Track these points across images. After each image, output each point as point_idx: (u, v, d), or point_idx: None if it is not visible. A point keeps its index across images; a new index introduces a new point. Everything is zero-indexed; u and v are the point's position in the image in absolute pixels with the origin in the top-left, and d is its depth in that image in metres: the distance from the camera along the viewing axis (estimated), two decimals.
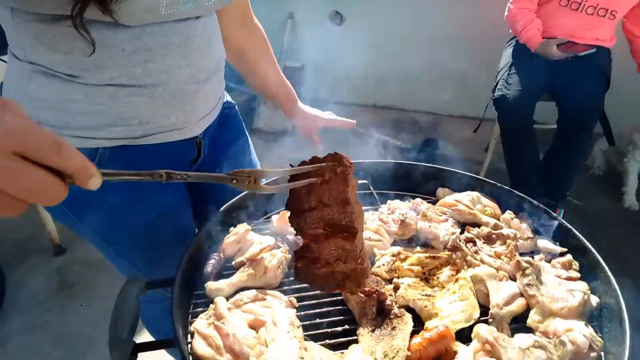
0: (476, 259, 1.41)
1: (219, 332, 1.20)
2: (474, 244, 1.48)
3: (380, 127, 5.48)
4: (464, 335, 1.20)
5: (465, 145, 4.65)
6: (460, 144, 4.87)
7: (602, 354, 1.17)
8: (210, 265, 1.41)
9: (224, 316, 1.23)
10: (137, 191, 1.47)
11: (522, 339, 1.16)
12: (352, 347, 1.18)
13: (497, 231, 1.51)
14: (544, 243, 1.47)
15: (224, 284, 1.36)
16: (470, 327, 1.21)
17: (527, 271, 1.33)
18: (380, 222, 1.57)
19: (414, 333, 1.20)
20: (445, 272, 1.40)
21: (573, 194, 4.05)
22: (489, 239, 1.51)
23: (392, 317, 1.24)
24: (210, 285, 1.35)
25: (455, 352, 1.14)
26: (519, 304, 1.28)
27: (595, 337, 1.17)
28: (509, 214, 1.58)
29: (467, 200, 1.63)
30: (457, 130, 5.25)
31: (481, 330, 1.16)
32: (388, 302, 1.28)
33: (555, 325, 1.20)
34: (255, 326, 1.25)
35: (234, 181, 1.03)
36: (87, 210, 1.45)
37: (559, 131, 3.58)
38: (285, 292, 1.36)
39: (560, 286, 1.30)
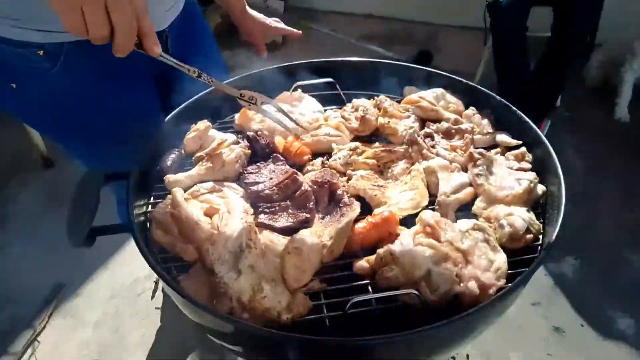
0: (432, 153, 1.43)
1: (174, 219, 1.26)
2: (432, 138, 1.49)
3: (373, 38, 5.31)
4: (412, 222, 1.25)
5: (462, 57, 4.51)
6: (456, 56, 4.73)
7: (540, 236, 1.22)
8: (170, 159, 1.44)
9: (179, 204, 1.28)
10: (108, 86, 1.48)
11: (464, 223, 1.20)
12: (301, 231, 1.23)
13: (457, 126, 1.51)
14: (502, 137, 1.48)
15: (182, 176, 1.39)
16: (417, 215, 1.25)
17: (479, 162, 1.35)
18: (341, 119, 1.57)
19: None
20: (400, 165, 1.42)
21: (566, 105, 3.99)
22: (448, 134, 1.51)
23: (342, 205, 1.29)
24: (169, 177, 1.39)
25: (398, 235, 1.19)
26: (466, 192, 1.31)
27: (534, 221, 1.22)
28: (471, 110, 1.57)
29: (431, 96, 1.61)
30: (455, 42, 5.07)
31: (424, 214, 1.21)
32: (340, 192, 1.31)
33: (498, 210, 1.24)
34: (210, 214, 1.29)
35: (242, 95, 1.22)
36: (52, 106, 1.46)
37: (552, 37, 3.44)
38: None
39: (510, 176, 1.33)
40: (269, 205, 1.30)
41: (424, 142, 1.46)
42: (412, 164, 1.42)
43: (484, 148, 1.47)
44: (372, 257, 1.16)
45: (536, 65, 3.56)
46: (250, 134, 1.51)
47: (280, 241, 1.21)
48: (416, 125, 1.52)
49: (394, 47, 5.08)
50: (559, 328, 2.55)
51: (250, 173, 1.40)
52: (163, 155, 1.45)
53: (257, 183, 1.36)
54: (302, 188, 1.31)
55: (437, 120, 1.57)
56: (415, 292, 1.03)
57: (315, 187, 1.32)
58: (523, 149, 1.41)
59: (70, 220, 1.19)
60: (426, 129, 1.51)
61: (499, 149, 1.46)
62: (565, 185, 1.23)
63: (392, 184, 1.38)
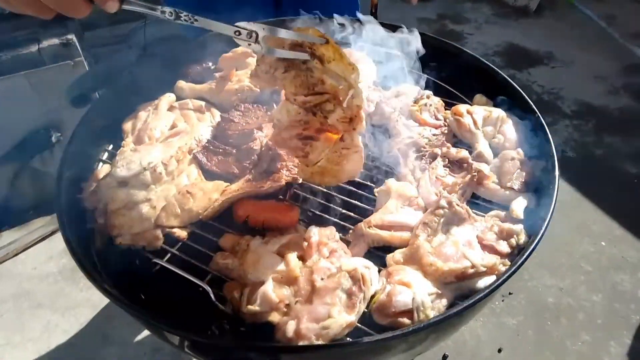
0: (410, 172, 1.14)
1: (143, 119, 1.35)
2: (432, 160, 1.17)
3: None
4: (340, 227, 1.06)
5: None
6: None
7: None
8: (194, 69, 1.50)
9: (158, 109, 1.36)
10: None
11: (348, 261, 0.97)
12: (206, 182, 1.17)
13: (474, 164, 1.15)
14: (517, 204, 1.07)
15: (186, 86, 1.45)
16: None
17: (439, 211, 1.03)
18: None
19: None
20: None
21: None
22: (458, 166, 1.17)
23: (270, 179, 1.16)
24: (178, 83, 1.46)
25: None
26: (396, 236, 1.03)
27: (426, 307, 0.90)
28: (515, 153, 1.16)
29: (482, 115, 1.25)
30: None
31: (313, 228, 1.02)
32: (279, 165, 1.18)
33: (403, 274, 0.95)
34: (176, 130, 1.33)
35: (237, 33, 0.95)
36: None
37: None
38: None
39: (467, 248, 0.98)
40: (217, 145, 1.27)
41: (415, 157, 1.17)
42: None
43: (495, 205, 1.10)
44: (235, 238, 1.05)
45: None
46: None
47: (205, 187, 1.17)
48: (418, 133, 1.22)
49: None
50: None
51: (237, 110, 1.37)
52: (194, 64, 1.52)
53: (231, 121, 1.33)
54: (251, 144, 1.23)
55: (467, 147, 1.23)
56: (207, 287, 0.92)
57: (265, 149, 1.23)
58: (519, 227, 1.01)
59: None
60: (437, 149, 1.20)
61: (498, 212, 1.07)
62: None
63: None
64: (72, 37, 2.91)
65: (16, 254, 2.76)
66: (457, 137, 1.28)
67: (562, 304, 2.50)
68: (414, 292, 0.91)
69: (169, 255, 1.06)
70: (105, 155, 1.33)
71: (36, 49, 2.81)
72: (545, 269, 2.65)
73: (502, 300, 2.51)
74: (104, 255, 1.07)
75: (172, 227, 1.10)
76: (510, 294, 2.55)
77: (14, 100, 2.64)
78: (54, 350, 2.35)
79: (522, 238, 1.00)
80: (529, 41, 4.50)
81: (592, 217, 2.93)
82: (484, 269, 0.93)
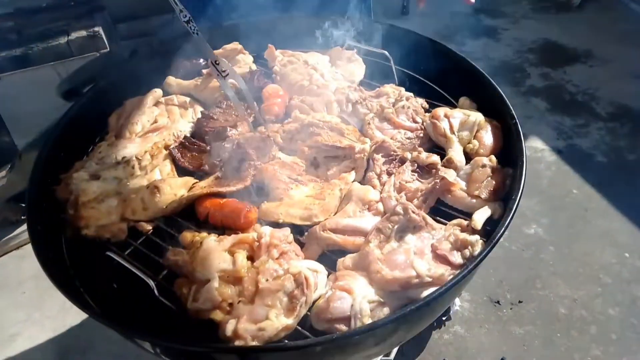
0: (376, 177, 1.12)
1: (128, 114, 1.39)
2: (400, 164, 1.15)
3: None
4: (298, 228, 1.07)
5: None
6: None
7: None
8: (184, 65, 1.53)
9: (143, 104, 1.40)
10: None
11: (297, 264, 0.97)
12: (169, 179, 1.20)
13: (441, 170, 1.12)
14: (480, 214, 1.03)
15: (174, 82, 1.48)
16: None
17: (394, 218, 1.00)
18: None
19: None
20: (342, 165, 1.17)
21: None
22: (427, 171, 1.14)
23: (237, 178, 1.18)
24: (168, 79, 1.50)
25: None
26: (349, 241, 1.02)
27: (364, 315, 0.88)
28: (485, 160, 1.12)
29: (459, 120, 1.20)
30: None
31: (266, 228, 1.02)
32: (247, 164, 1.19)
33: (348, 280, 0.94)
34: (156, 125, 1.37)
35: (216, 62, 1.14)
36: None
37: None
38: None
39: (416, 256, 0.96)
40: (193, 141, 1.29)
41: (377, 162, 1.14)
42: (352, 170, 1.15)
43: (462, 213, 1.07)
44: (199, 234, 1.07)
45: None
46: (256, 69, 1.45)
47: (174, 183, 1.20)
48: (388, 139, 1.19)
49: None
50: None
51: (219, 107, 1.38)
52: (185, 60, 1.55)
53: (210, 118, 1.35)
54: (224, 143, 1.25)
55: (440, 150, 1.19)
56: (151, 282, 0.94)
57: (235, 147, 1.24)
58: (474, 238, 0.97)
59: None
60: (407, 153, 1.17)
61: (461, 221, 1.04)
62: None
63: (312, 185, 1.16)
64: (99, 29, 3.02)
65: None
66: (433, 140, 1.24)
67: (575, 315, 2.38)
68: (354, 298, 0.89)
69: (131, 248, 1.10)
70: (91, 149, 1.38)
71: (65, 41, 2.94)
72: (560, 278, 2.53)
73: (511, 309, 2.43)
74: (73, 246, 1.12)
75: (138, 221, 1.13)
76: (520, 302, 2.45)
77: (42, 90, 2.78)
78: (68, 329, 2.48)
79: (477, 249, 0.96)
80: (568, 37, 4.27)
81: (617, 227, 2.76)
82: (429, 280, 0.90)
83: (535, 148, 3.20)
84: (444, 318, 2.36)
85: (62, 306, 2.57)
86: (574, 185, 2.98)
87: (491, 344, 2.30)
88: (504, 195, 1.07)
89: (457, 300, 2.37)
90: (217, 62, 1.13)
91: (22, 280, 2.69)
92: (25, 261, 2.78)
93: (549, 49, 4.21)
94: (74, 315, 2.54)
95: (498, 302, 2.46)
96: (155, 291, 0.94)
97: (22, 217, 2.88)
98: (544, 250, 2.67)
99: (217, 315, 0.93)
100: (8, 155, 2.88)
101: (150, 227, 1.13)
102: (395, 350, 1.92)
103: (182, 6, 1.07)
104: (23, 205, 2.81)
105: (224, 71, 1.12)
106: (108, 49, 2.99)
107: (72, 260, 1.07)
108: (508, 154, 1.15)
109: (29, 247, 2.86)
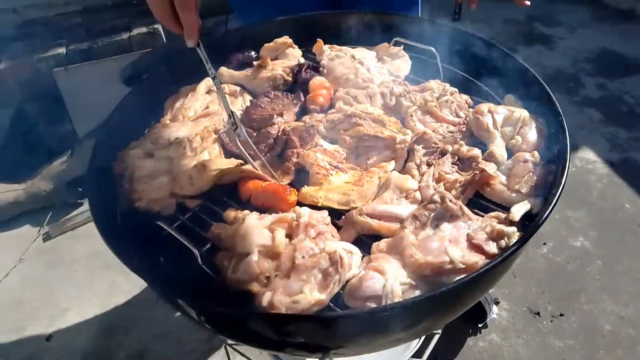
0: (416, 167, 1.14)
1: (182, 99, 1.47)
2: (441, 156, 1.16)
3: None
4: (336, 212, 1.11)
5: None
6: None
7: None
8: (236, 57, 1.61)
9: (197, 91, 1.48)
10: None
11: (332, 244, 1.00)
12: (218, 159, 1.26)
13: (482, 163, 1.12)
14: (519, 207, 1.02)
15: (226, 72, 1.56)
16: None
17: (431, 205, 1.02)
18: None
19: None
20: (382, 155, 1.19)
21: None
22: (468, 165, 1.15)
23: (281, 167, 1.23)
24: (221, 69, 1.57)
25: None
26: (384, 226, 1.04)
27: (394, 296, 0.90)
28: (527, 155, 1.11)
29: (503, 116, 1.20)
30: None
31: (304, 209, 1.06)
32: (291, 152, 1.24)
33: (380, 261, 0.96)
34: (207, 111, 1.44)
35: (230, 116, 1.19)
36: None
37: None
38: None
39: (450, 244, 0.97)
40: (241, 127, 1.35)
41: (419, 152, 1.16)
42: (392, 160, 1.18)
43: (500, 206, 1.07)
44: (241, 212, 1.12)
45: None
46: (303, 63, 1.50)
47: (221, 162, 1.26)
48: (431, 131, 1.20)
49: None
50: None
51: (267, 96, 1.44)
52: (238, 52, 1.62)
53: (258, 106, 1.41)
54: (270, 129, 1.30)
55: (481, 144, 1.20)
56: (196, 251, 0.99)
57: (279, 134, 1.29)
58: (511, 229, 0.97)
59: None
60: (449, 146, 1.18)
61: (498, 213, 1.04)
62: None
63: (352, 173, 1.20)
64: (158, 26, 3.20)
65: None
66: (475, 136, 1.24)
67: (621, 333, 2.28)
68: (386, 279, 0.92)
69: (179, 222, 1.17)
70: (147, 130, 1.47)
71: (127, 37, 3.13)
72: (606, 294, 2.43)
73: (551, 321, 2.36)
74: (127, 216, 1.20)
75: (185, 197, 1.20)
76: (561, 315, 2.38)
77: (104, 81, 2.96)
78: (115, 308, 2.61)
79: (514, 240, 0.95)
80: (628, 47, 4.10)
81: None
82: (462, 266, 0.91)
83: (587, 159, 3.09)
84: (479, 325, 2.32)
85: (110, 285, 2.71)
86: (626, 199, 2.86)
87: (528, 356, 2.24)
88: (546, 192, 1.06)
89: (494, 308, 2.33)
90: (231, 117, 1.18)
91: (76, 259, 2.85)
92: (79, 241, 2.95)
93: (606, 59, 4.06)
94: (120, 296, 2.68)
95: (538, 313, 2.39)
96: (199, 259, 0.99)
97: (79, 201, 3.06)
98: (590, 263, 2.58)
99: (255, 286, 0.97)
100: (69, 142, 3.09)
101: (196, 204, 1.19)
102: (427, 352, 1.91)
103: (211, 64, 1.12)
104: (80, 189, 3.00)
105: (234, 124, 1.19)
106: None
107: (125, 229, 1.15)
108: (552, 151, 1.14)
109: (83, 229, 3.06)
